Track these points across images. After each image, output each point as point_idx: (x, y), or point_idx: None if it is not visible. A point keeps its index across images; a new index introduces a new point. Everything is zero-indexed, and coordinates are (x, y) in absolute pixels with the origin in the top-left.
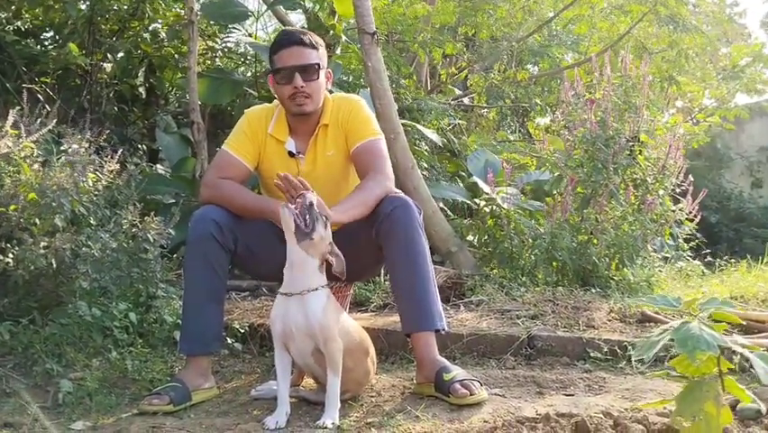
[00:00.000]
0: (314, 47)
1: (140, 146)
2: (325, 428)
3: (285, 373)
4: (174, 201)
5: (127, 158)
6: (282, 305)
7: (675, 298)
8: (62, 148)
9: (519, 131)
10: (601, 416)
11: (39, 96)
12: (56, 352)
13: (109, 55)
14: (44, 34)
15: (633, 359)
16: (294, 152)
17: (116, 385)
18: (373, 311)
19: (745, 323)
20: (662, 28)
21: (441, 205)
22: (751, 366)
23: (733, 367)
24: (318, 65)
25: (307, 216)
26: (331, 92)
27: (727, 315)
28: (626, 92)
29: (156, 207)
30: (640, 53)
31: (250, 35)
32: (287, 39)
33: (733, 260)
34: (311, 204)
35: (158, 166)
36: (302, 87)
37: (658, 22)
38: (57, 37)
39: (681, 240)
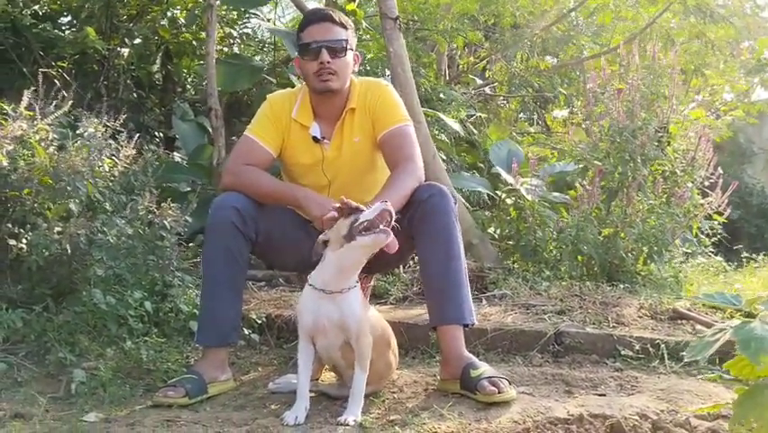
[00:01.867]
0: (342, 26)
1: (156, 134)
2: (347, 424)
3: (306, 366)
4: (190, 189)
5: (144, 145)
6: (314, 299)
7: (734, 295)
8: (78, 132)
9: (537, 123)
10: (637, 418)
11: (55, 80)
12: (69, 340)
13: (126, 40)
14: (61, 18)
15: (685, 360)
16: (318, 137)
17: (131, 375)
18: (392, 303)
19: None
20: (688, 18)
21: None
22: None
23: None
24: (346, 42)
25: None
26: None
27: None
28: (654, 82)
29: (172, 194)
30: (665, 44)
31: (268, 21)
32: (315, 15)
33: (762, 256)
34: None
35: (174, 154)
36: (328, 62)
37: (684, 11)
38: (74, 21)
39: (702, 235)
